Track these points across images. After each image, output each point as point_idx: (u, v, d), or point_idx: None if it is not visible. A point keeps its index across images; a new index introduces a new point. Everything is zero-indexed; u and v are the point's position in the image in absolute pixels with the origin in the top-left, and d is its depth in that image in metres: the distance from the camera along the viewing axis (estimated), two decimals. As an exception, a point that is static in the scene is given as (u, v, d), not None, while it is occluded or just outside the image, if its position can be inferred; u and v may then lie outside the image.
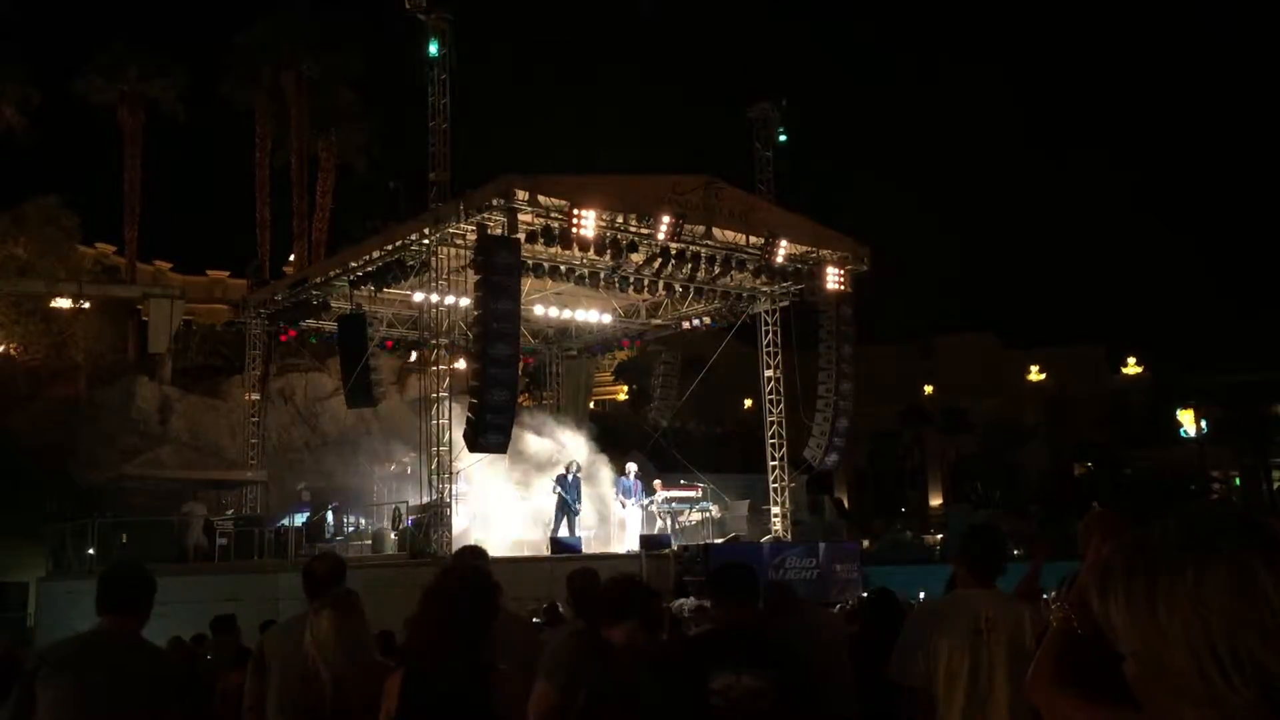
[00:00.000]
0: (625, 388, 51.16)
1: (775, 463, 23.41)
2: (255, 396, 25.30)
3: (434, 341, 20.04)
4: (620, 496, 21.26)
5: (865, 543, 31.42)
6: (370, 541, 20.82)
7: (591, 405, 33.57)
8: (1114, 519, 2.43)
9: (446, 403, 19.27)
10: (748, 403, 49.08)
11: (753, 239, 20.32)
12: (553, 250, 18.78)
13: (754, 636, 4.34)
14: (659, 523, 21.13)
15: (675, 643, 5.05)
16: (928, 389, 60.40)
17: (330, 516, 21.78)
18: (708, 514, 21.83)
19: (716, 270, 20.59)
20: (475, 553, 5.91)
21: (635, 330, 25.88)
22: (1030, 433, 53.64)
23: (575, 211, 17.91)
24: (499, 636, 3.82)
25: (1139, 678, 1.41)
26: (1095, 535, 2.10)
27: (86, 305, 32.63)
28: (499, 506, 21.01)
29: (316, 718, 4.29)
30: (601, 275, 20.34)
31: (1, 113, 34.68)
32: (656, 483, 21.98)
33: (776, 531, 22.61)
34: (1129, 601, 1.40)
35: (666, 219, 18.70)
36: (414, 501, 19.41)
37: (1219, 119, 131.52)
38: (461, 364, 21.97)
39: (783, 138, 23.63)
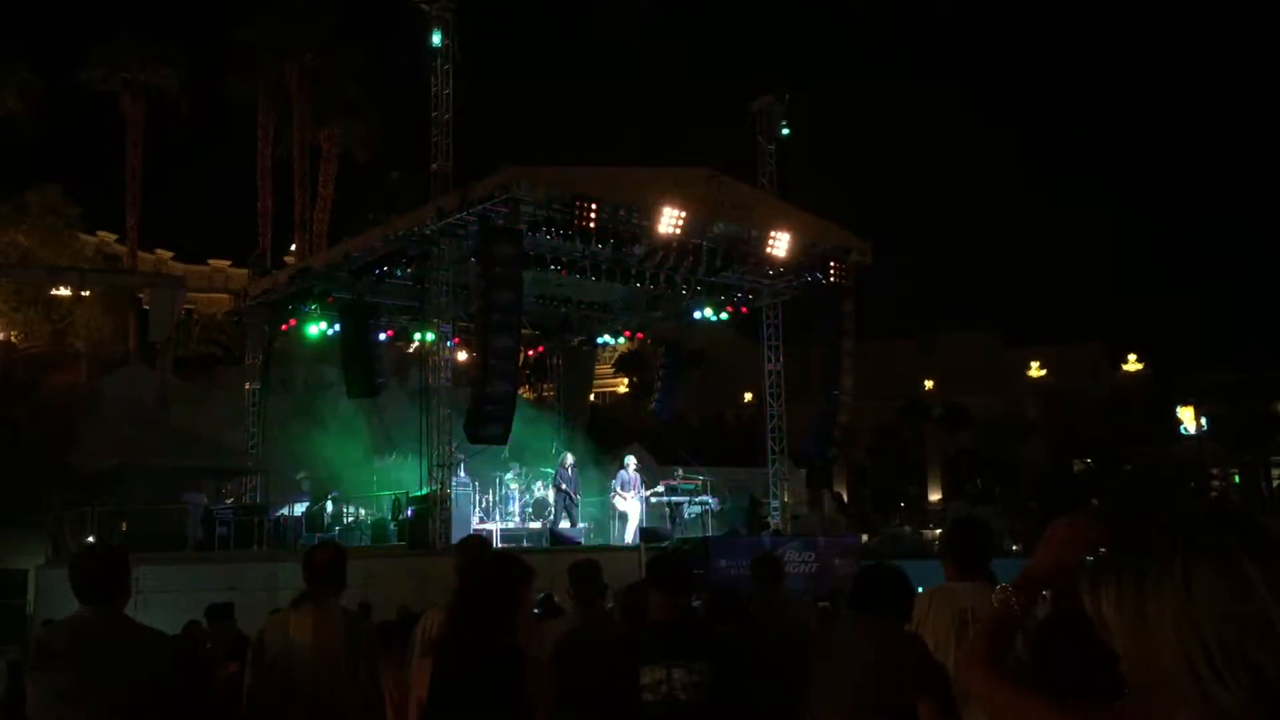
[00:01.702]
0: (626, 380, 51.16)
1: (775, 456, 23.43)
2: (255, 386, 25.31)
3: (435, 332, 20.04)
4: (619, 489, 21.28)
5: (864, 537, 31.45)
6: (370, 532, 20.84)
7: (592, 397, 33.59)
8: (1105, 519, 2.41)
9: (447, 393, 19.28)
10: (748, 396, 49.16)
11: (754, 232, 20.30)
12: (554, 242, 18.76)
13: (688, 629, 4.30)
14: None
15: (612, 637, 5.01)
16: (928, 384, 60.47)
17: (330, 506, 21.79)
18: (707, 507, 21.85)
19: (718, 263, 20.57)
20: (479, 541, 5.93)
21: (636, 322, 25.87)
22: (1030, 429, 53.66)
23: (577, 203, 17.89)
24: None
25: (1131, 675, 1.40)
26: (1081, 533, 2.08)
27: (87, 294, 32.66)
28: (498, 498, 21.04)
29: (301, 710, 4.31)
30: (603, 267, 20.31)
31: (4, 101, 34.68)
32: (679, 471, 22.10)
33: (776, 525, 22.63)
34: (1119, 599, 1.40)
35: (668, 211, 18.69)
36: (414, 492, 19.43)
37: (1222, 116, 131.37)
38: (462, 355, 21.97)
39: (785, 131, 23.58)
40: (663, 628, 4.25)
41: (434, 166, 19.46)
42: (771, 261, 21.03)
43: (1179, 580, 1.34)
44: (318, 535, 19.79)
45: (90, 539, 19.13)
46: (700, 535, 20.53)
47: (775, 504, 23.21)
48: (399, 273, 20.81)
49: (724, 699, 4.01)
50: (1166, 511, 1.45)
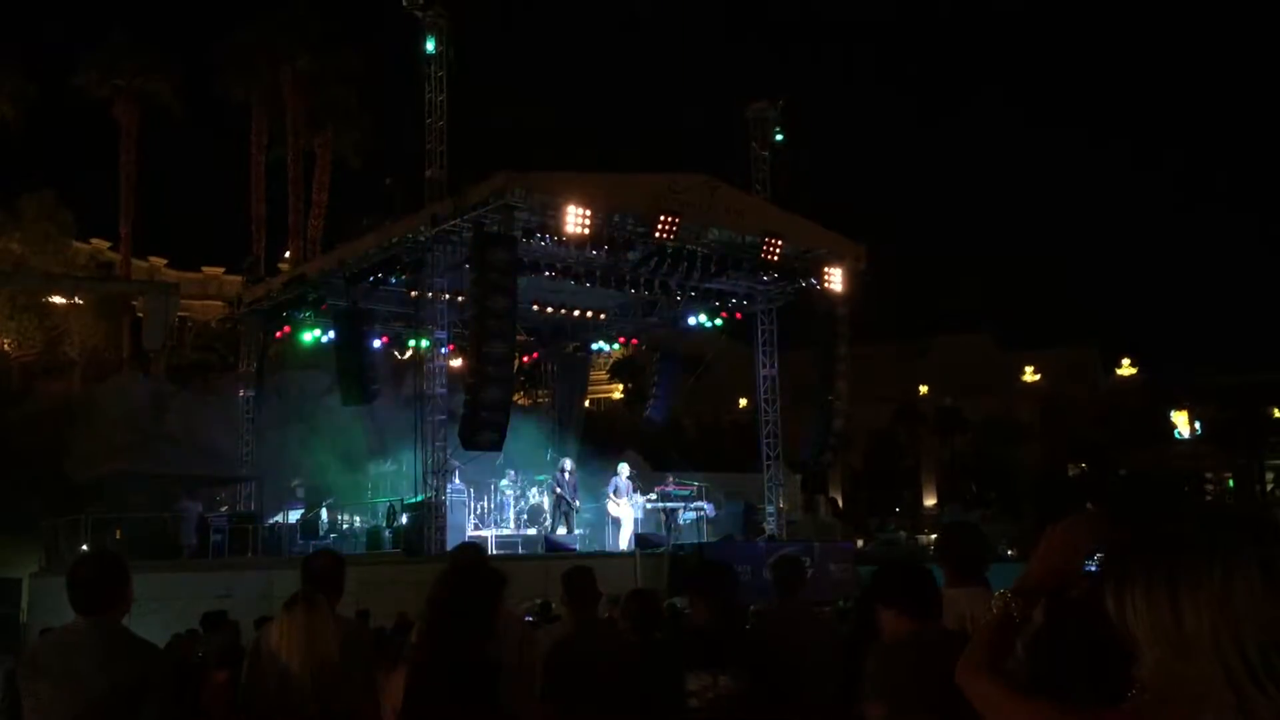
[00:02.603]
0: (621, 386, 51.18)
1: (770, 461, 23.41)
2: (249, 393, 25.25)
3: (429, 339, 20.01)
4: (613, 495, 21.25)
5: (859, 542, 31.48)
6: (365, 539, 20.79)
7: (587, 404, 33.55)
8: (1103, 523, 2.40)
9: (441, 400, 19.25)
10: (743, 401, 49.13)
11: (749, 238, 20.31)
12: (549, 248, 18.75)
13: (733, 637, 4.30)
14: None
15: (652, 644, 4.99)
16: (923, 389, 60.47)
17: (324, 513, 21.75)
18: (702, 513, 21.81)
19: (713, 269, 20.58)
20: (472, 548, 5.92)
21: (631, 328, 25.85)
22: (1025, 433, 53.72)
23: (572, 210, 17.89)
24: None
25: (1155, 681, 1.37)
26: (1079, 537, 2.07)
27: (81, 301, 32.61)
28: (493, 504, 21.00)
29: (296, 715, 4.30)
30: (598, 273, 20.30)
31: (-3, 107, 34.63)
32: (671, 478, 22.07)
33: (771, 530, 22.61)
34: (1150, 605, 1.35)
35: (663, 217, 18.69)
36: (408, 499, 19.39)
37: (1219, 117, 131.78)
38: (457, 361, 21.94)
39: (780, 137, 23.60)
40: (708, 635, 4.25)
41: (428, 173, 19.44)
42: (766, 267, 21.03)
43: (1217, 586, 1.30)
44: (312, 542, 19.77)
45: (84, 546, 19.10)
46: (695, 541, 20.52)
47: (770, 509, 23.19)
48: (393, 279, 20.78)
49: (768, 704, 4.00)
50: (1193, 513, 1.40)
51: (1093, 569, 2.30)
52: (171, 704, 3.89)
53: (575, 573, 5.58)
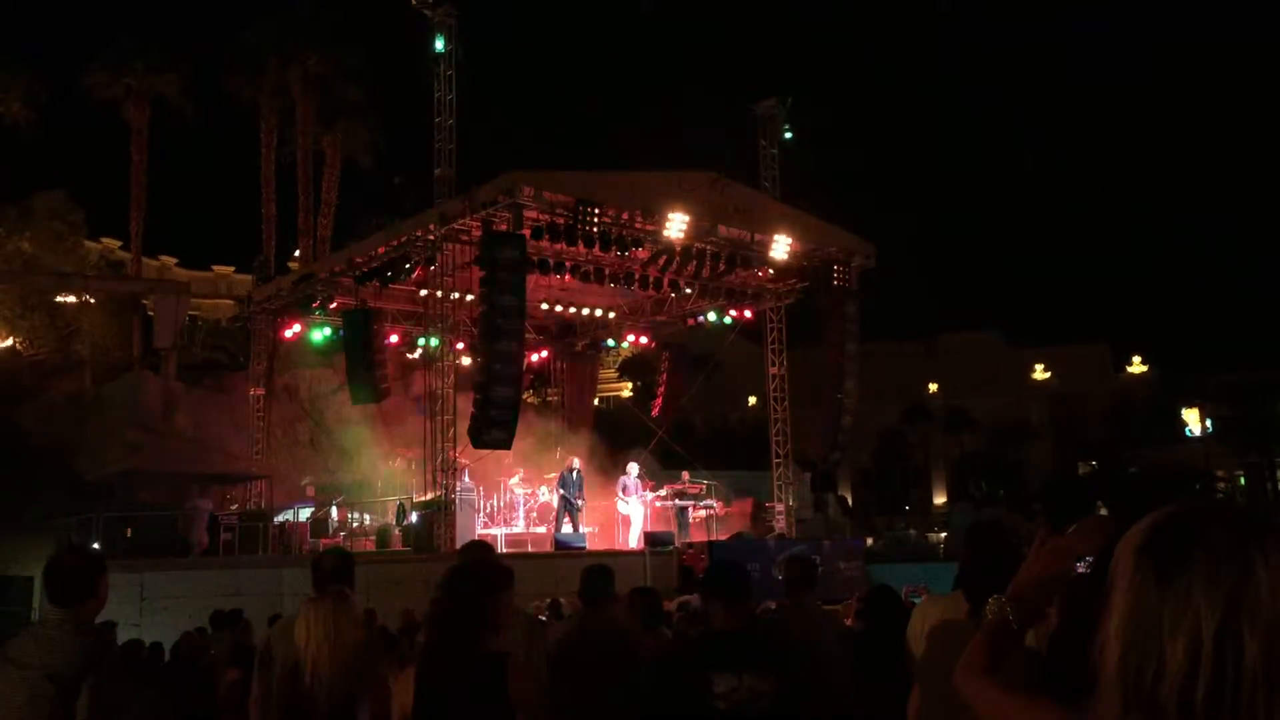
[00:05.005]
0: (630, 384, 51.13)
1: (779, 460, 23.43)
2: (260, 392, 25.33)
3: (439, 337, 20.06)
4: (621, 494, 21.28)
5: (868, 540, 31.43)
6: (374, 537, 20.85)
7: (596, 402, 33.55)
8: (1110, 527, 2.38)
9: (451, 398, 19.29)
10: (752, 400, 49.11)
11: (758, 236, 20.31)
12: (558, 246, 18.78)
13: (754, 637, 4.32)
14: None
15: (675, 644, 5.00)
16: (932, 387, 60.30)
17: (334, 512, 21.80)
18: (711, 511, 21.84)
19: (722, 267, 20.59)
20: (481, 547, 5.92)
21: (640, 327, 25.87)
22: (1034, 431, 53.61)
23: (580, 208, 17.91)
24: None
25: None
26: (1076, 541, 2.06)
27: (92, 300, 32.72)
28: (502, 503, 21.05)
29: (309, 712, 4.31)
30: (607, 271, 20.33)
31: (8, 108, 34.74)
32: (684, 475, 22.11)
33: (780, 529, 22.62)
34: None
35: (672, 215, 18.70)
36: (418, 497, 19.43)
37: (1223, 117, 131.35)
38: (466, 360, 21.98)
39: (789, 135, 23.59)
40: (729, 635, 4.26)
41: (437, 172, 19.49)
42: (775, 265, 21.02)
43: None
44: (323, 541, 19.82)
45: (96, 545, 19.17)
46: (705, 540, 20.54)
47: (780, 507, 23.19)
48: (403, 278, 20.85)
49: (794, 706, 4.02)
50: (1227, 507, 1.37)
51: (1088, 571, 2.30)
52: (111, 684, 3.90)
53: (593, 571, 5.61)
